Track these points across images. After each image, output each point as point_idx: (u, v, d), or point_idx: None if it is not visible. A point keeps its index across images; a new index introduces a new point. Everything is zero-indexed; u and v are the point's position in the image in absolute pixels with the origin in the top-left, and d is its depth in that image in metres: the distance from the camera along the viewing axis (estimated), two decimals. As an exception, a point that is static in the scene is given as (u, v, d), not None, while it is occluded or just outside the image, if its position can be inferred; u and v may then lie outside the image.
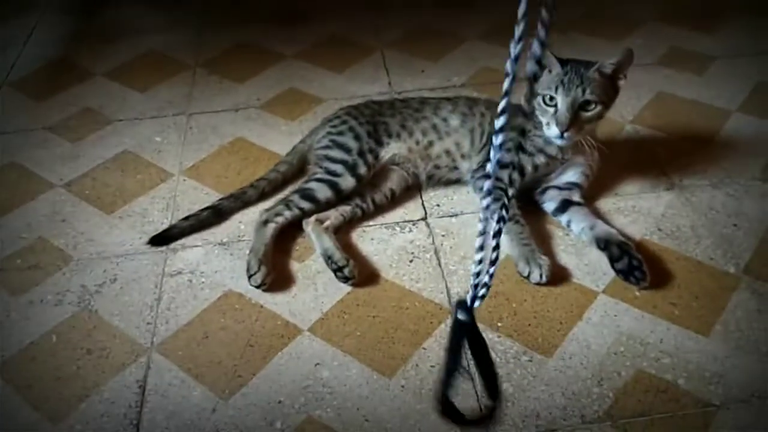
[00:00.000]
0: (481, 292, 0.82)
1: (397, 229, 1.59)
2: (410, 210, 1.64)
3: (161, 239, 1.58)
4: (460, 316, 0.82)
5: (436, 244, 1.55)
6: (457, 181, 1.69)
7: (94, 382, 1.29)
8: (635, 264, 1.40)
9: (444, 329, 1.35)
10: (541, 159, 1.57)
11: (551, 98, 1.47)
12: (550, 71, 1.49)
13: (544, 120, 1.49)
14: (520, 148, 1.57)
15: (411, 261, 1.51)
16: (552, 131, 1.47)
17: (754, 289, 1.39)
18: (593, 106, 1.46)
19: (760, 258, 1.46)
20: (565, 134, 1.45)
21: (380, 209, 1.63)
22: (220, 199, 1.64)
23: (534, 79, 0.78)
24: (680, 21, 2.36)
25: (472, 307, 0.82)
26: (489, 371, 0.86)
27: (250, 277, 1.44)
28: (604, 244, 1.46)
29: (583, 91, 1.44)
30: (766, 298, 1.37)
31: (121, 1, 2.75)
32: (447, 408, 0.84)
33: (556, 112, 1.46)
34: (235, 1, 2.68)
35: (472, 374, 0.92)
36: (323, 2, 2.62)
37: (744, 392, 1.21)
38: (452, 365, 0.84)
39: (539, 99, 1.49)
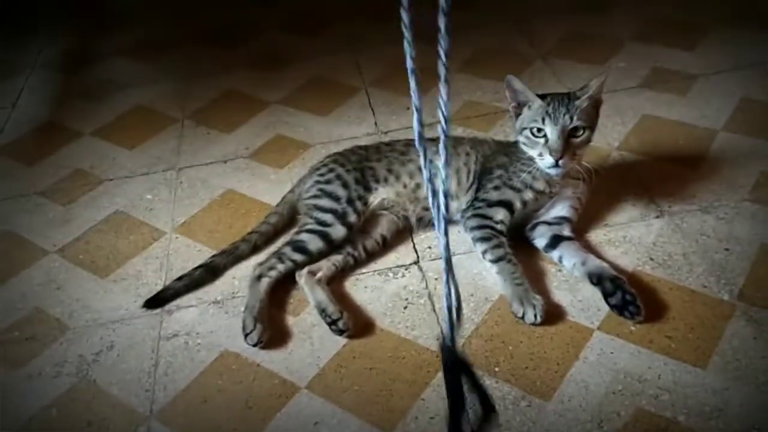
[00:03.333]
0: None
1: (390, 275, 1.60)
2: (402, 254, 1.65)
3: (156, 302, 1.58)
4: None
5: (430, 288, 1.55)
6: (448, 222, 1.69)
7: (95, 456, 1.29)
8: (629, 298, 1.40)
9: (441, 377, 1.34)
10: (528, 195, 1.58)
11: (539, 129, 1.48)
12: (529, 107, 1.52)
13: (535, 152, 1.51)
14: (507, 185, 1.59)
15: (405, 308, 1.51)
16: (546, 161, 1.49)
17: (749, 315, 1.39)
18: (582, 131, 1.48)
19: (753, 282, 1.46)
20: (560, 162, 1.47)
21: (372, 255, 1.64)
22: (213, 256, 1.65)
23: None
24: (659, 39, 2.38)
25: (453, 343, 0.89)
26: (482, 394, 0.90)
27: (246, 335, 1.44)
28: (596, 279, 1.46)
29: (571, 118, 1.46)
30: (761, 325, 1.37)
31: (106, 57, 2.77)
32: None
33: (546, 142, 1.47)
34: (217, 51, 2.71)
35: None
36: (302, 46, 2.65)
37: (744, 425, 1.20)
38: (456, 402, 0.90)
39: (526, 133, 1.51)
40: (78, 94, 2.51)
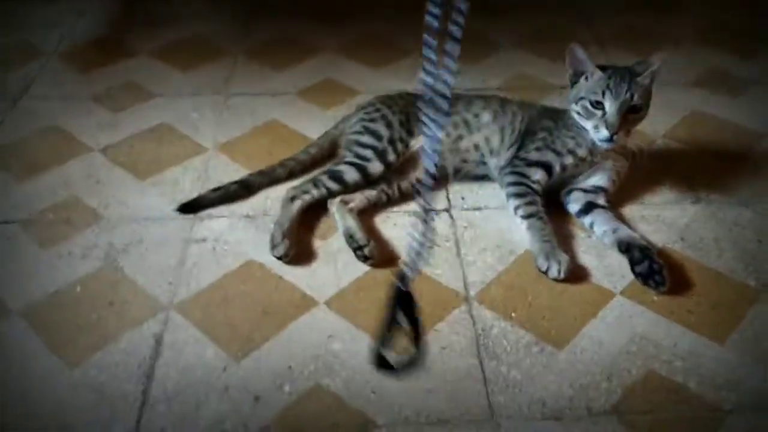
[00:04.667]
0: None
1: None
2: (435, 200, 1.66)
3: (190, 207, 1.61)
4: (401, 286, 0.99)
5: (458, 234, 1.56)
6: (484, 177, 1.70)
7: (112, 332, 1.32)
8: (656, 268, 1.40)
9: (458, 315, 1.36)
10: (569, 160, 1.59)
11: (598, 102, 1.48)
12: (588, 78, 1.52)
13: (590, 124, 1.51)
14: (549, 148, 1.59)
15: (431, 248, 1.52)
16: (601, 134, 1.48)
17: (773, 304, 1.39)
18: (639, 110, 1.48)
19: (782, 274, 1.46)
20: (615, 137, 1.47)
21: (405, 197, 1.65)
22: (250, 175, 1.68)
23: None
24: (720, 43, 2.37)
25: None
26: (416, 326, 0.98)
27: (273, 247, 1.47)
28: (626, 246, 1.46)
29: (632, 96, 1.46)
30: (785, 314, 1.36)
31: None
32: (380, 360, 0.98)
33: (604, 115, 1.48)
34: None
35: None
36: (366, 3, 2.67)
37: (757, 400, 1.20)
38: (388, 324, 0.99)
39: (583, 103, 1.51)
40: (138, 19, 2.55)
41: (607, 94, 1.47)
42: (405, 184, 1.65)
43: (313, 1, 2.70)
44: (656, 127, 1.90)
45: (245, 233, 1.55)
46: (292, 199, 1.57)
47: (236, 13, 2.59)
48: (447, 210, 1.63)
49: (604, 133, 1.48)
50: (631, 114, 1.48)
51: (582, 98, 1.52)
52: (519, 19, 2.52)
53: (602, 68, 1.52)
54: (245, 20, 2.54)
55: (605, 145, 1.51)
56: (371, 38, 2.42)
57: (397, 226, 1.58)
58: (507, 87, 2.11)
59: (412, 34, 2.42)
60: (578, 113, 1.54)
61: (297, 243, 1.50)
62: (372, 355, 0.99)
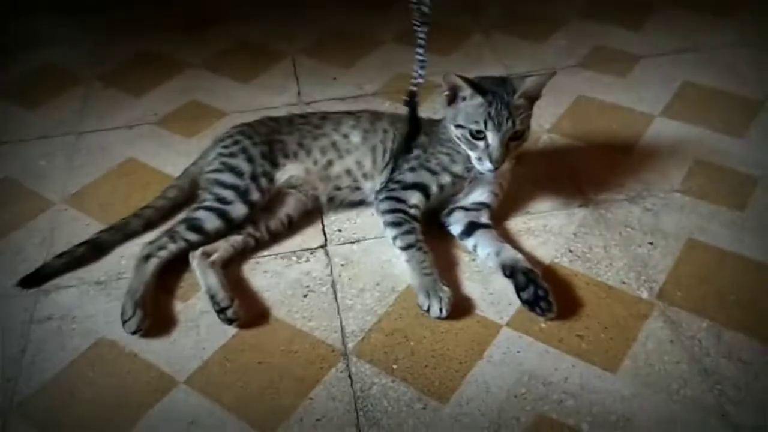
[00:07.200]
0: None
1: (294, 259, 1.47)
2: (309, 237, 1.52)
3: (32, 280, 1.43)
4: None
5: (334, 275, 1.43)
6: (361, 203, 1.57)
7: (-59, 453, 1.16)
8: (541, 294, 1.30)
9: (335, 375, 1.24)
10: (446, 178, 1.47)
11: (479, 131, 1.36)
12: (465, 99, 1.38)
13: (473, 154, 1.39)
14: (424, 167, 1.47)
15: (305, 296, 1.39)
16: (485, 166, 1.37)
17: (666, 316, 1.30)
18: (522, 134, 1.38)
19: (675, 280, 1.38)
20: (499, 167, 1.37)
21: (276, 237, 1.51)
22: (100, 232, 1.50)
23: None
24: (605, 18, 2.28)
25: None
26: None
27: (124, 322, 1.31)
28: (510, 271, 1.36)
29: (513, 123, 1.34)
30: (678, 327, 1.28)
31: (18, 13, 2.54)
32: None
33: (487, 147, 1.36)
34: (137, 9, 2.50)
35: None
36: (230, 8, 2.47)
37: (650, 437, 1.12)
38: None
39: (463, 132, 1.38)
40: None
41: (489, 124, 1.34)
42: (275, 224, 1.50)
43: (175, 9, 2.48)
44: (541, 122, 1.80)
45: (96, 304, 1.38)
46: (147, 257, 1.40)
47: (89, 33, 2.37)
48: (322, 246, 1.50)
49: (488, 165, 1.36)
50: (513, 141, 1.37)
51: (461, 126, 1.38)
52: (399, 12, 2.35)
53: (480, 90, 1.36)
54: (99, 40, 2.32)
55: (489, 175, 1.41)
56: (238, 47, 2.25)
57: (268, 274, 1.44)
58: (386, 91, 1.97)
59: (281, 37, 2.26)
60: (458, 139, 1.41)
61: (155, 308, 1.35)
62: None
